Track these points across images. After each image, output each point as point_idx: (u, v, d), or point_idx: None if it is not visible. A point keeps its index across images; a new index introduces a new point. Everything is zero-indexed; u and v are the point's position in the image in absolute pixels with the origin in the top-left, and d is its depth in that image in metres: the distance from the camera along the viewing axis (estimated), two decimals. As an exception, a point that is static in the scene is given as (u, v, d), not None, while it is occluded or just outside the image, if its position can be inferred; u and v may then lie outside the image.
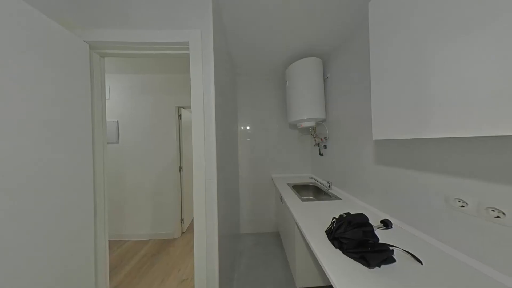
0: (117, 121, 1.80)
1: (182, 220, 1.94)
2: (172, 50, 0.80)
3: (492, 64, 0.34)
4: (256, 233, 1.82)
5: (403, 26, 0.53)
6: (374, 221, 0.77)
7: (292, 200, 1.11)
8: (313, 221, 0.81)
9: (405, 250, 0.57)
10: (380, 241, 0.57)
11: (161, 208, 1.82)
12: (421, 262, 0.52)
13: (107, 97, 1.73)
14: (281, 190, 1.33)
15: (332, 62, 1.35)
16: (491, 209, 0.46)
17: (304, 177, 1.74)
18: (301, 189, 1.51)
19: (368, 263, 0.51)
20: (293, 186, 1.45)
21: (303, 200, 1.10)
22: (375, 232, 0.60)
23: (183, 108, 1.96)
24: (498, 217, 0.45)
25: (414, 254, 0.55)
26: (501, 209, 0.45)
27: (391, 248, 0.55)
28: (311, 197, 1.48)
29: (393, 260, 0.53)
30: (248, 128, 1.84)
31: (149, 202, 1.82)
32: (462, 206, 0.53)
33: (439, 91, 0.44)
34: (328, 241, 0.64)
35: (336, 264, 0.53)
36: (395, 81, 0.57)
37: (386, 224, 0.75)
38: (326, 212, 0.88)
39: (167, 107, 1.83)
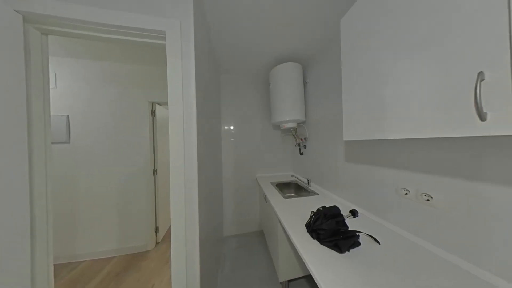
0: (67, 116, 1.47)
1: (156, 229, 1.74)
2: (144, 38, 0.71)
3: (422, 84, 0.44)
4: (241, 234, 1.80)
5: (366, 45, 0.63)
6: (345, 211, 0.88)
7: (275, 198, 1.15)
8: (294, 216, 0.86)
9: (367, 234, 0.67)
10: (349, 229, 0.66)
11: (131, 218, 1.59)
12: (378, 242, 0.63)
13: (51, 85, 1.39)
14: (265, 189, 1.36)
15: (311, 68, 1.46)
16: (424, 194, 0.60)
17: (287, 176, 1.83)
18: (283, 187, 1.58)
19: (340, 249, 0.57)
20: (276, 185, 1.50)
21: (285, 197, 1.15)
22: (346, 221, 0.69)
23: (158, 104, 1.76)
24: (428, 200, 0.59)
25: (374, 236, 0.65)
26: (430, 194, 0.58)
27: (357, 233, 0.64)
28: (292, 194, 1.57)
29: (359, 244, 0.61)
30: (232, 128, 1.80)
31: (114, 212, 1.56)
32: (406, 194, 0.67)
33: (390, 101, 0.54)
34: (307, 234, 0.69)
35: (314, 254, 0.58)
36: (360, 91, 0.66)
37: (353, 213, 0.87)
38: (305, 207, 0.95)
39: (137, 102, 1.60)
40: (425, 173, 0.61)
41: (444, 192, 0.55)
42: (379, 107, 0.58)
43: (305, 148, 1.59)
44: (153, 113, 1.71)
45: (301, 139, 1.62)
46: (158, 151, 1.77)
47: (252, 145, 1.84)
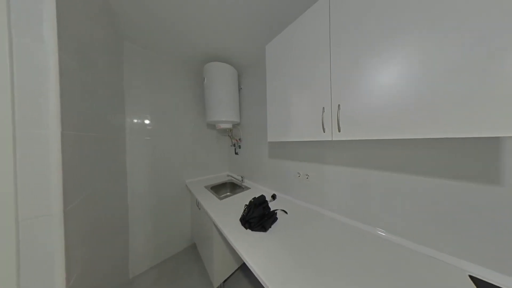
0: None
1: None
2: None
3: (304, 108, 0.73)
4: (164, 261, 1.39)
5: (281, 73, 0.87)
6: (268, 197, 1.13)
7: (210, 201, 1.08)
8: (229, 215, 0.89)
9: (280, 209, 0.93)
10: (271, 210, 0.85)
11: None
12: (286, 213, 0.90)
13: None
14: (197, 195, 1.22)
15: (245, 77, 1.63)
16: (306, 174, 1.00)
17: (222, 176, 1.82)
18: (219, 188, 1.55)
19: (265, 228, 0.72)
20: (211, 188, 1.42)
21: (221, 198, 1.14)
22: (269, 204, 0.88)
23: None
24: (307, 178, 0.99)
25: (284, 210, 0.92)
26: (308, 174, 0.98)
27: (275, 211, 0.85)
28: (228, 193, 1.60)
29: (277, 219, 0.82)
30: (147, 122, 1.32)
31: None
32: (299, 176, 1.05)
33: (292, 116, 0.81)
34: (242, 227, 0.76)
35: (246, 241, 0.65)
36: (278, 106, 0.90)
37: (274, 197, 1.14)
38: (240, 203, 1.03)
39: None
40: (307, 161, 1.01)
41: (313, 171, 0.97)
42: (286, 119, 0.83)
43: (239, 148, 1.72)
44: None
45: (236, 140, 1.72)
46: None
47: (180, 145, 1.53)
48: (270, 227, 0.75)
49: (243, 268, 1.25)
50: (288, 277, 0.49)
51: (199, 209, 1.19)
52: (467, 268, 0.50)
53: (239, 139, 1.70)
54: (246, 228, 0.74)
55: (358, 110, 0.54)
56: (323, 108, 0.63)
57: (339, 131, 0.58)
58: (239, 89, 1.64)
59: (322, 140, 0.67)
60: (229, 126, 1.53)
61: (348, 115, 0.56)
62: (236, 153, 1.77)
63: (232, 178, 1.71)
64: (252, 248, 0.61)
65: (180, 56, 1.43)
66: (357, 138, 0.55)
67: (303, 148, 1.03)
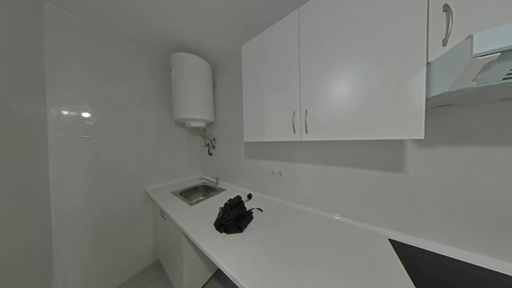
0: None
1: None
2: None
3: (278, 111, 0.79)
4: (112, 291, 1.11)
5: (257, 75, 0.89)
6: (244, 197, 1.13)
7: (178, 208, 0.96)
8: (203, 220, 0.82)
9: (257, 208, 0.95)
10: (247, 209, 0.86)
11: None
12: (262, 210, 0.94)
13: None
14: (161, 203, 1.05)
15: (220, 74, 1.55)
16: (279, 172, 1.07)
17: (194, 179, 1.66)
18: (190, 193, 1.40)
19: (241, 229, 0.71)
20: (180, 193, 1.27)
21: (192, 203, 1.04)
22: (245, 204, 0.88)
23: None
24: (280, 175, 1.06)
25: (260, 208, 0.95)
26: (281, 172, 1.06)
27: (251, 210, 0.86)
28: (201, 197, 1.48)
29: (252, 218, 0.84)
30: (86, 115, 1.01)
31: None
32: (273, 174, 1.11)
33: (267, 117, 0.85)
34: (216, 231, 0.72)
35: (221, 246, 0.63)
36: (254, 107, 0.91)
37: (249, 196, 1.15)
38: (214, 207, 0.98)
39: None
40: (280, 160, 1.08)
41: (285, 169, 1.05)
42: (262, 120, 0.86)
43: (214, 148, 1.63)
44: None
45: (210, 140, 1.62)
46: None
47: (139, 146, 1.27)
48: (246, 226, 0.76)
49: (218, 274, 1.19)
50: (265, 274, 0.51)
51: (164, 219, 1.03)
52: (387, 233, 0.69)
53: (214, 139, 1.60)
54: (221, 232, 0.71)
55: (321, 115, 0.63)
56: (294, 111, 0.70)
57: (306, 132, 0.66)
58: (214, 86, 1.56)
59: (293, 141, 0.75)
60: (202, 125, 1.42)
61: (313, 119, 0.65)
62: (210, 154, 1.66)
63: (206, 181, 1.60)
64: (227, 252, 0.60)
65: (137, 38, 1.18)
66: (320, 139, 0.64)
67: (276, 148, 1.10)
